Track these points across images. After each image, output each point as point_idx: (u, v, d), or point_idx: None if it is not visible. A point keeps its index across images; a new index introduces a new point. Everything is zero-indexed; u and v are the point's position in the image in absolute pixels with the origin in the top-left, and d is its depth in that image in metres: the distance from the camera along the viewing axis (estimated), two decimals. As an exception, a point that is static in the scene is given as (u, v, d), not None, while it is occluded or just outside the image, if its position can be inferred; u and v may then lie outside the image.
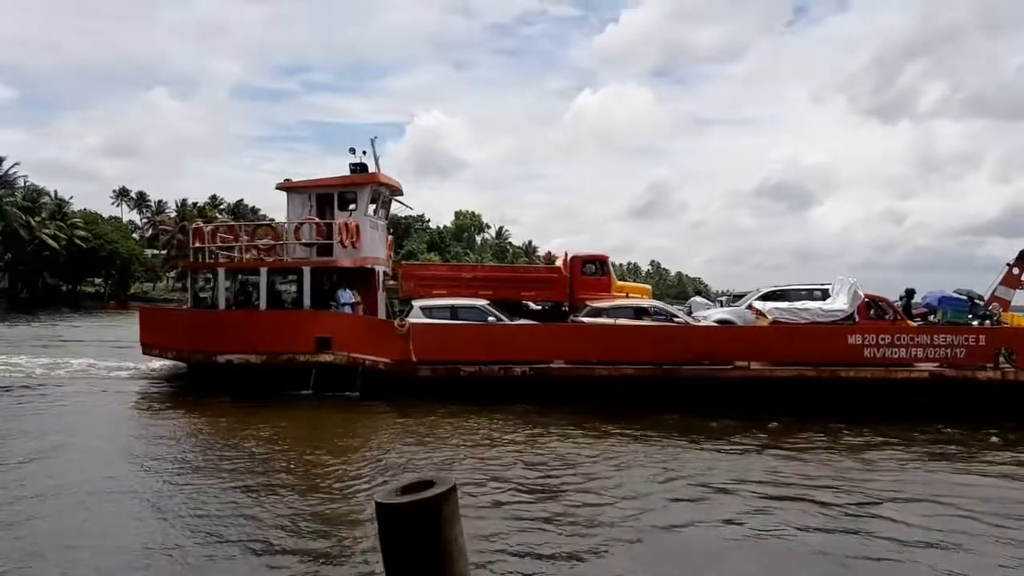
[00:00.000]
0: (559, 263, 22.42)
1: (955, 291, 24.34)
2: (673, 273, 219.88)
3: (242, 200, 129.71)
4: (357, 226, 20.57)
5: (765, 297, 21.81)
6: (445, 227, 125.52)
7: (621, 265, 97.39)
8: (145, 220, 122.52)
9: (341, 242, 19.89)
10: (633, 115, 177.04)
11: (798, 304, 19.75)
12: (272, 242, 20.21)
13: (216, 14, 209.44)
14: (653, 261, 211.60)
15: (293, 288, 21.09)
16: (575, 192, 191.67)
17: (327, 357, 19.28)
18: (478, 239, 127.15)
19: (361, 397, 18.94)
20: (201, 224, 21.24)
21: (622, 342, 18.85)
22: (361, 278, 21.35)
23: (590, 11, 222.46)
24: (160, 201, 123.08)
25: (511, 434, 15.14)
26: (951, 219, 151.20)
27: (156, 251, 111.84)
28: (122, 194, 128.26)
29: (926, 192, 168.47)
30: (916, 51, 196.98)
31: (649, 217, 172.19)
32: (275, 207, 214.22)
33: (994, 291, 23.83)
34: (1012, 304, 23.79)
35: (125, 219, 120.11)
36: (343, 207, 21.40)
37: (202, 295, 22.25)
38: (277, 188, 21.86)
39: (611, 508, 10.17)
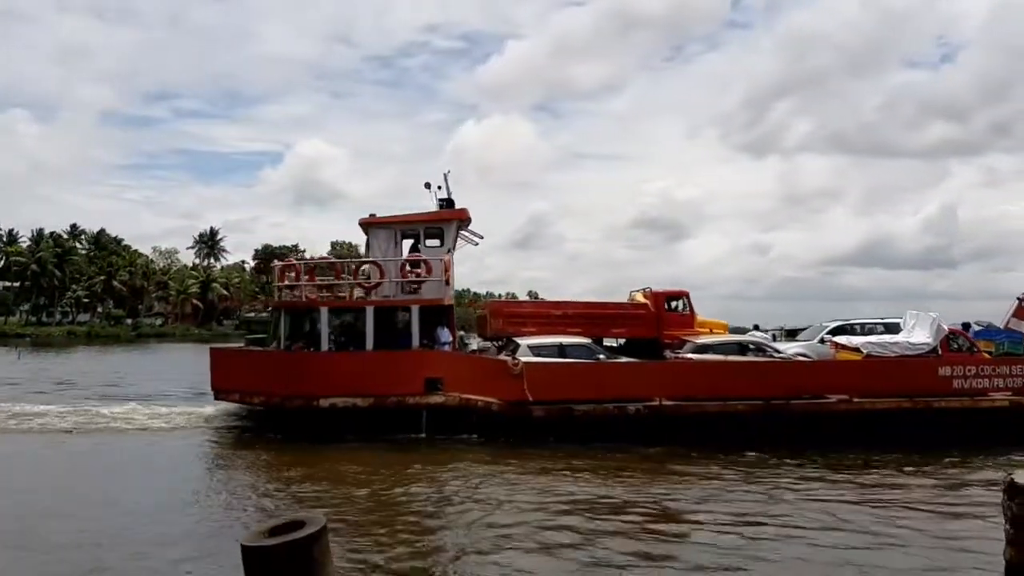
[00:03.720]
0: (639, 298, 22.54)
1: (975, 322, 26.10)
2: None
3: (103, 229, 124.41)
4: (451, 262, 20.16)
5: (833, 332, 22.72)
6: (321, 258, 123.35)
7: (500, 295, 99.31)
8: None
9: (447, 280, 19.40)
10: (514, 148, 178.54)
11: (887, 338, 20.66)
12: (380, 280, 19.44)
13: (83, 37, 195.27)
14: (531, 292, 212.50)
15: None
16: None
17: (438, 399, 18.68)
18: None
19: (478, 440, 18.45)
20: (295, 261, 20.09)
21: (733, 378, 19.14)
22: (447, 316, 20.82)
23: (474, 44, 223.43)
24: (12, 230, 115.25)
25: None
26: (813, 251, 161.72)
27: (8, 284, 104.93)
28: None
29: (791, 225, 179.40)
30: (784, 90, 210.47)
31: (528, 249, 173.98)
32: (139, 237, 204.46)
33: (1007, 323, 25.68)
34: None
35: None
36: (426, 242, 20.90)
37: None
38: (361, 223, 21.13)
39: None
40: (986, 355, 21.00)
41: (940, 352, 20.33)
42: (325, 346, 19.29)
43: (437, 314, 20.00)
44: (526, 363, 18.94)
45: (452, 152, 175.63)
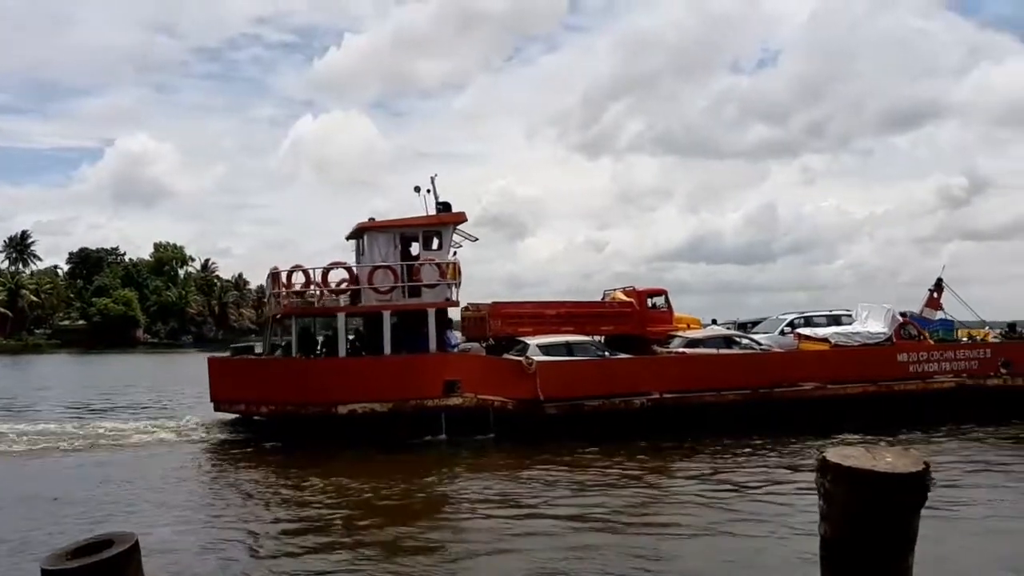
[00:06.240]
0: (619, 296, 23.50)
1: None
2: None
3: None
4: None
5: (791, 324, 24.65)
6: (142, 260, 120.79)
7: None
8: None
9: (458, 283, 19.72)
10: (352, 145, 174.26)
11: (849, 329, 22.70)
12: (393, 284, 19.43)
13: None
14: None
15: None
16: (291, 223, 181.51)
17: (456, 400, 18.97)
18: (181, 272, 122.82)
19: (495, 439, 18.92)
20: (305, 267, 19.70)
21: (728, 370, 20.53)
22: (446, 318, 21.11)
23: (309, 38, 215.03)
24: None
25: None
26: (645, 247, 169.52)
27: None
28: None
29: (624, 223, 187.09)
30: (618, 92, 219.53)
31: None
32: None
33: (922, 312, 28.63)
34: None
35: None
36: (424, 246, 21.10)
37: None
38: (358, 227, 21.03)
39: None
40: (931, 342, 23.43)
41: (894, 340, 22.56)
42: (343, 352, 19.17)
43: (446, 317, 20.30)
44: (538, 362, 19.55)
45: (288, 148, 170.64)
